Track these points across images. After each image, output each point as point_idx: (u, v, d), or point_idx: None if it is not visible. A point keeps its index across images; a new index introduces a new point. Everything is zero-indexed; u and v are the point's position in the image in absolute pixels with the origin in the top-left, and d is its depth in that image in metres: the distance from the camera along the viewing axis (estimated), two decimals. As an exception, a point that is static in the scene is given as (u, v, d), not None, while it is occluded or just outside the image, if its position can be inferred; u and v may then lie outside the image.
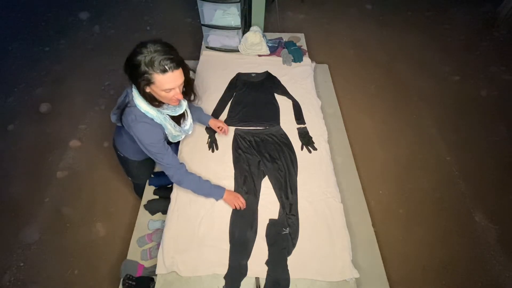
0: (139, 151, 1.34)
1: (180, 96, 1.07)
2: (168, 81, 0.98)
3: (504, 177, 2.20)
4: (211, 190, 1.32)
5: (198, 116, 1.56)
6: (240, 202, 1.33)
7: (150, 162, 1.65)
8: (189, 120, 1.31)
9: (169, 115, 1.17)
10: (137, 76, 0.98)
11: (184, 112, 1.26)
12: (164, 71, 0.96)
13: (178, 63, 0.99)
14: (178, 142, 1.60)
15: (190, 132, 1.36)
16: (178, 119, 1.25)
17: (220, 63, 2.08)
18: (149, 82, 0.98)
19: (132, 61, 0.97)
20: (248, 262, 1.21)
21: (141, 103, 1.07)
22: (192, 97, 1.21)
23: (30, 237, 1.83)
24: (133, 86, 1.07)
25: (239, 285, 1.17)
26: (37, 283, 1.67)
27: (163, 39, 1.02)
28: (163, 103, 1.11)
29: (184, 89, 1.12)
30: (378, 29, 3.46)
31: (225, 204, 1.36)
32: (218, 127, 1.57)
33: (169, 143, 1.45)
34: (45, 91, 2.66)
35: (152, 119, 1.10)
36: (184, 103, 1.22)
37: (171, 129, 1.20)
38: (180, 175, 1.24)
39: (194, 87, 1.21)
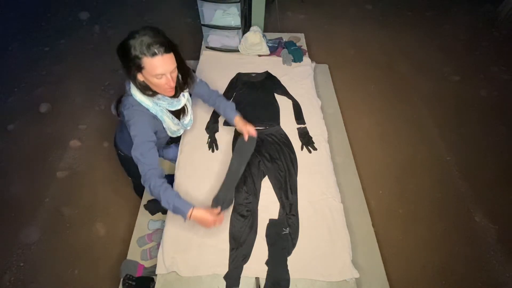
0: None
1: (172, 84, 1.04)
2: (158, 65, 0.97)
3: (504, 177, 2.20)
4: (177, 203, 1.05)
5: (224, 110, 1.40)
6: (211, 221, 1.09)
7: None
8: (189, 116, 1.30)
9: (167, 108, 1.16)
10: (128, 62, 0.97)
11: (184, 107, 1.25)
12: (153, 54, 0.95)
13: (168, 47, 0.98)
14: (179, 142, 1.59)
15: (189, 127, 1.35)
16: (177, 113, 1.23)
17: (220, 63, 2.08)
18: (140, 68, 0.97)
19: (123, 47, 0.96)
20: (248, 262, 1.21)
21: (136, 92, 1.06)
22: (189, 86, 1.21)
23: (30, 237, 1.83)
24: None
25: (238, 284, 1.17)
26: (37, 283, 1.67)
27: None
28: (157, 93, 1.09)
29: (180, 77, 1.12)
30: (378, 29, 3.46)
31: (225, 204, 1.35)
32: (247, 132, 1.34)
33: (171, 140, 1.44)
34: (45, 91, 2.66)
35: (147, 109, 1.09)
36: (183, 98, 1.21)
37: (169, 122, 1.18)
38: (151, 175, 1.06)
39: (192, 75, 1.20)
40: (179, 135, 1.34)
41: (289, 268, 1.20)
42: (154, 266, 1.22)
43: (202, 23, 2.11)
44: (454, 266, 1.78)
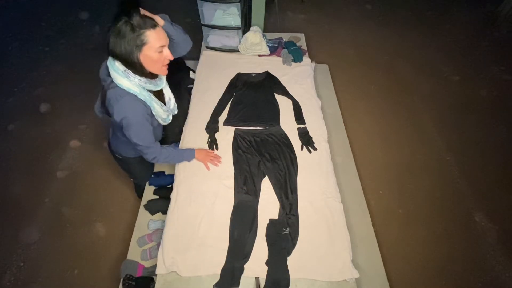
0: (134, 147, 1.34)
1: (171, 56, 1.07)
2: (160, 36, 1.00)
3: (504, 177, 2.20)
4: (183, 154, 1.44)
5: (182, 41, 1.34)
6: (212, 157, 1.47)
7: None
8: (172, 100, 1.30)
9: (152, 93, 1.15)
10: (128, 44, 0.96)
11: (165, 91, 1.26)
12: (153, 25, 0.97)
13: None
14: (179, 142, 1.60)
15: (176, 112, 1.35)
16: (162, 99, 1.24)
17: (220, 63, 2.08)
18: (142, 44, 0.97)
19: (118, 33, 0.95)
20: (248, 262, 1.21)
21: (122, 81, 1.04)
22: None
23: (30, 237, 1.83)
24: (112, 67, 1.03)
25: (238, 284, 1.17)
26: (37, 283, 1.67)
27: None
28: (152, 75, 1.10)
29: None
30: (378, 29, 3.46)
31: (225, 204, 1.36)
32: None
33: (171, 140, 1.45)
34: (45, 91, 2.66)
35: (136, 96, 1.07)
36: (164, 78, 1.22)
37: (158, 109, 1.17)
38: (155, 153, 1.25)
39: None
40: (169, 122, 1.32)
41: (289, 268, 1.20)
42: (154, 266, 1.22)
43: (202, 23, 2.11)
44: (454, 266, 1.78)
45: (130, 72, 1.04)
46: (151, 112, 1.16)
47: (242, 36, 2.13)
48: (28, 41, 3.11)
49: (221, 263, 1.20)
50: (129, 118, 1.06)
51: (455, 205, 2.05)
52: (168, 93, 1.29)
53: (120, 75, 1.03)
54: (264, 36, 2.16)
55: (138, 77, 1.06)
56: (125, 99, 1.04)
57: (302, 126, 1.69)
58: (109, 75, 1.05)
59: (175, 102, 1.33)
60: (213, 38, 2.19)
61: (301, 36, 2.41)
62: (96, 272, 1.70)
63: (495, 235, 1.91)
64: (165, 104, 1.25)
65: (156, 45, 1.00)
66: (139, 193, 1.85)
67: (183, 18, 3.40)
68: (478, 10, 3.76)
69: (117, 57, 1.01)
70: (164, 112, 1.22)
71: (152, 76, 1.13)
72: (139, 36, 0.96)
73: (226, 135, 1.63)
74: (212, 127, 1.65)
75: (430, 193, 2.10)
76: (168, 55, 1.06)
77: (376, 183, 2.12)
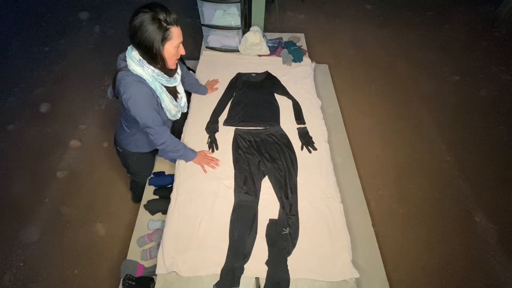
0: (139, 144, 1.36)
1: (183, 51, 1.12)
2: (180, 33, 1.06)
3: (504, 177, 2.20)
4: (187, 152, 1.43)
5: (197, 88, 1.76)
6: (208, 160, 1.48)
7: (150, 157, 1.66)
8: (183, 99, 1.35)
9: (164, 86, 1.19)
10: (153, 37, 1.00)
11: (179, 89, 1.31)
12: (177, 22, 1.04)
13: None
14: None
15: (186, 110, 1.41)
16: (174, 94, 1.28)
17: (220, 63, 2.08)
18: (166, 39, 1.03)
19: (143, 27, 0.98)
20: (248, 262, 1.21)
21: (136, 68, 1.08)
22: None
23: (30, 237, 1.83)
24: (129, 54, 1.08)
25: (238, 284, 1.17)
26: (37, 283, 1.67)
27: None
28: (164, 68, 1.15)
29: None
30: (378, 29, 3.46)
31: (225, 204, 1.36)
32: (214, 87, 1.85)
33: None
34: (45, 91, 2.66)
35: (146, 81, 1.12)
36: (178, 76, 1.25)
37: (168, 102, 1.21)
38: (164, 137, 1.26)
39: None
40: (178, 118, 1.37)
41: (289, 268, 1.20)
42: (154, 266, 1.22)
43: (202, 23, 2.11)
44: (454, 266, 1.78)
45: (145, 62, 1.08)
46: (160, 103, 1.20)
47: (242, 36, 2.13)
48: (28, 41, 3.11)
49: (221, 263, 1.20)
50: (134, 97, 1.08)
51: (455, 205, 2.05)
52: (181, 91, 1.33)
53: (135, 63, 1.08)
54: (264, 36, 2.16)
55: (152, 67, 1.10)
56: (132, 78, 1.08)
57: (302, 126, 1.69)
58: (125, 60, 1.11)
59: (186, 102, 1.38)
60: (213, 38, 2.19)
61: (301, 36, 2.41)
62: (96, 272, 1.71)
63: (495, 235, 1.92)
64: (176, 100, 1.29)
65: (177, 41, 1.06)
66: (133, 190, 1.86)
67: (183, 18, 3.40)
68: (478, 10, 3.76)
69: (139, 47, 1.05)
70: (174, 108, 1.26)
71: (167, 72, 1.17)
72: (165, 32, 1.01)
73: (226, 135, 1.63)
74: (212, 127, 1.65)
75: (430, 193, 2.10)
76: (182, 51, 1.12)
77: (376, 183, 2.12)
